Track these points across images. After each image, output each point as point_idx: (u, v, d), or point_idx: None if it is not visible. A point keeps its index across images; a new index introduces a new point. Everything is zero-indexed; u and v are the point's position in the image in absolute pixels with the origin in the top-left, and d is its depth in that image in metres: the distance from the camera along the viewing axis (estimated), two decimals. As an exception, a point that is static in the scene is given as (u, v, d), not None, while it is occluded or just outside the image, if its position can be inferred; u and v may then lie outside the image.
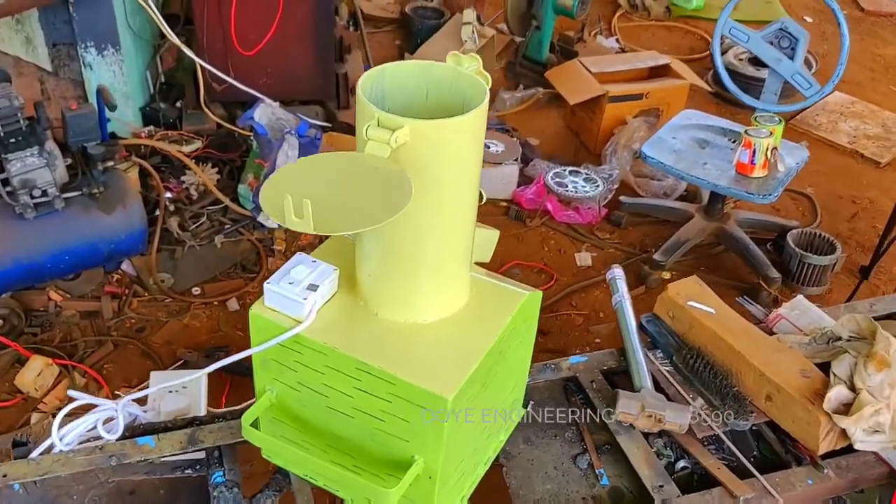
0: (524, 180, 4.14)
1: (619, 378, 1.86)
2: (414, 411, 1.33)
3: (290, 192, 1.08)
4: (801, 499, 1.65)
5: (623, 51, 5.51)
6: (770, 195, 3.23)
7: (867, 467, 1.69)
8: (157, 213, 3.58)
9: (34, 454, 1.60)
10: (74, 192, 3.14)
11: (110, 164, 3.14)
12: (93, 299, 3.30)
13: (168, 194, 3.74)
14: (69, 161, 3.09)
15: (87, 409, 1.70)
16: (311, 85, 4.20)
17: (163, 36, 3.99)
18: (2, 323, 3.10)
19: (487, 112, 1.34)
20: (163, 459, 1.66)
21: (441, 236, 1.35)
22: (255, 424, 1.50)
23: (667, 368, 1.87)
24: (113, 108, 3.21)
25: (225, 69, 4.01)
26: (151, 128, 4.15)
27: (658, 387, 1.82)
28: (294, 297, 1.38)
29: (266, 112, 3.62)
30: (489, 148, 4.09)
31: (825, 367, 1.75)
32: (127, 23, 3.92)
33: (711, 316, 1.88)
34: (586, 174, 4.03)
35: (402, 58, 5.14)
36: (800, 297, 2.05)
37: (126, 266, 3.42)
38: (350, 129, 4.20)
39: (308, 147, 3.53)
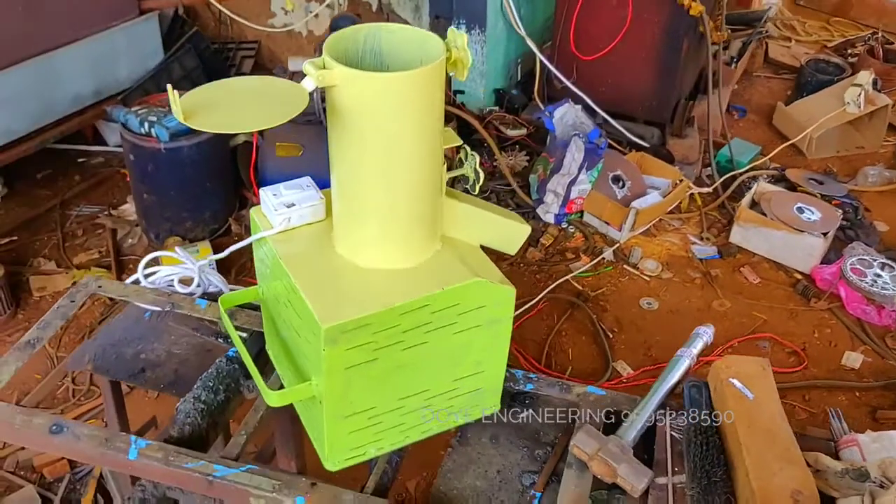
0: (835, 258, 3.73)
1: (628, 426, 1.74)
2: (311, 333, 1.47)
3: (198, 95, 1.30)
4: None
5: None
6: None
7: None
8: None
9: (127, 280, 2.03)
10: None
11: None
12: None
13: (473, 166, 4.08)
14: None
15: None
16: (646, 105, 4.22)
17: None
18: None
19: (444, 84, 1.40)
20: (207, 324, 1.99)
21: (377, 187, 1.44)
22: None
23: (676, 435, 1.70)
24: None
25: (569, 71, 4.21)
26: (496, 108, 4.52)
27: (651, 448, 1.68)
28: (271, 207, 1.59)
29: (571, 112, 3.75)
30: (802, 213, 3.76)
31: None
32: (501, 12, 4.31)
33: (744, 400, 1.66)
34: (900, 272, 3.50)
35: (775, 106, 4.87)
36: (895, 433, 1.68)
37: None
38: (669, 157, 4.16)
39: (590, 153, 3.60)
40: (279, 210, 1.59)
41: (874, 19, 6.13)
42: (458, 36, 1.44)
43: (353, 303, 1.45)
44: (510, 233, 1.71)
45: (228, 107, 1.33)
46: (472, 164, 1.61)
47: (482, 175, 1.60)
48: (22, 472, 2.80)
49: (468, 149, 1.60)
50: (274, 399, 1.52)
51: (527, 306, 3.49)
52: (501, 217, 1.68)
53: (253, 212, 1.67)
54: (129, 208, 4.02)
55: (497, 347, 1.65)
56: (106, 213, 4.06)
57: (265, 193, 1.63)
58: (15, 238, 3.86)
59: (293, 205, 1.59)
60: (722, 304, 3.59)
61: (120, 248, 3.83)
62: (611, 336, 3.42)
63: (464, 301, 1.52)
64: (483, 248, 1.66)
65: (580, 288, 3.65)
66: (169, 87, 1.27)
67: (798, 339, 3.42)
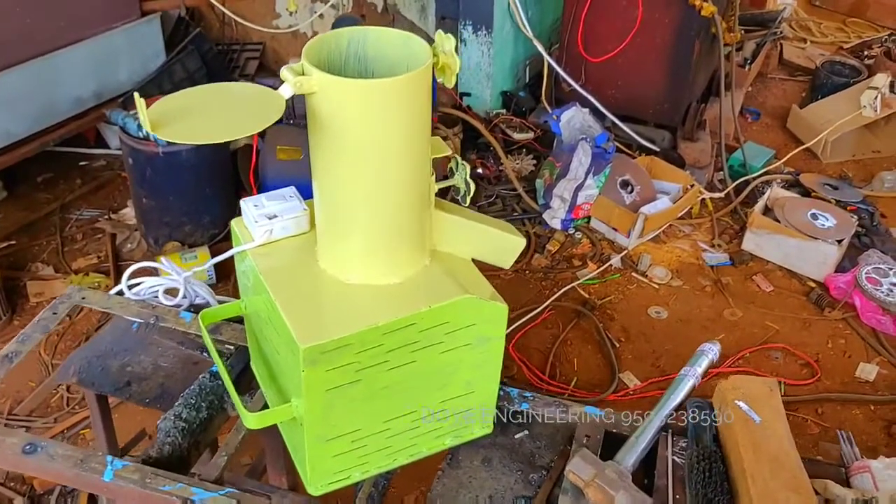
0: (850, 266, 3.62)
1: (627, 449, 1.65)
2: (290, 352, 1.39)
3: (170, 103, 1.23)
4: None
5: None
6: None
7: None
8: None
9: (111, 292, 1.96)
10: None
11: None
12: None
13: (478, 170, 4.00)
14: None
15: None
16: (656, 108, 4.13)
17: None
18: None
19: (430, 91, 1.32)
20: (193, 337, 1.92)
21: (360, 200, 1.37)
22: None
23: (678, 459, 1.62)
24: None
25: (577, 73, 4.13)
26: (503, 111, 4.44)
27: (651, 472, 1.60)
28: (252, 218, 1.52)
29: (578, 115, 3.67)
30: (816, 220, 3.66)
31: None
32: (508, 13, 4.23)
33: (751, 424, 1.57)
34: (915, 281, 3.40)
35: (790, 109, 4.77)
36: (912, 458, 1.59)
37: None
38: (680, 161, 4.07)
39: (598, 158, 3.51)
40: (260, 222, 1.51)
41: (891, 20, 6.01)
42: (445, 40, 1.36)
43: (334, 321, 1.38)
44: (504, 245, 1.63)
45: (201, 115, 1.25)
46: (462, 175, 1.53)
47: (473, 186, 1.53)
48: (12, 484, 2.74)
49: (459, 158, 1.53)
50: (252, 421, 1.45)
51: (532, 314, 3.41)
52: (494, 229, 1.60)
53: (234, 223, 1.60)
54: (129, 212, 3.97)
55: (489, 367, 1.57)
56: (106, 217, 4.00)
57: (246, 204, 1.56)
58: (13, 242, 3.81)
59: (275, 216, 1.52)
60: (733, 314, 3.49)
61: (119, 253, 3.77)
62: (617, 346, 3.33)
63: (453, 319, 1.45)
64: (477, 262, 1.58)
65: (587, 296, 3.56)
66: (136, 94, 1.19)
67: (811, 350, 3.32)
